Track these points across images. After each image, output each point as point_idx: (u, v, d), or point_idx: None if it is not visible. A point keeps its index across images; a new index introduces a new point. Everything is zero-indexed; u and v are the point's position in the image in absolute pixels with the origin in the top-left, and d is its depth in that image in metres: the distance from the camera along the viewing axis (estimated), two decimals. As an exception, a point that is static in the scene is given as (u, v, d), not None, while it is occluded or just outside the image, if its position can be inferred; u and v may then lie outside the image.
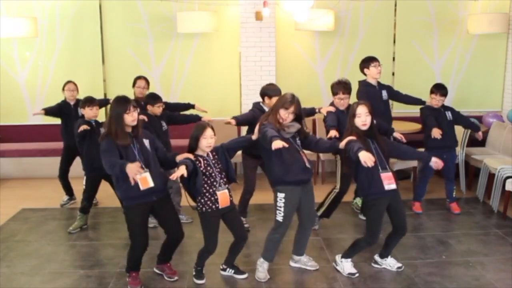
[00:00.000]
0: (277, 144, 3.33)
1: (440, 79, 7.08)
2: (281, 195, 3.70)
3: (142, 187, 3.45)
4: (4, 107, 6.97)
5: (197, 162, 3.55)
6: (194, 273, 3.86)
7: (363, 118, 3.68)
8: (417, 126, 6.19)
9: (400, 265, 3.98)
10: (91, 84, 6.83)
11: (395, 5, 7.09)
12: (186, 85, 7.12)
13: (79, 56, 6.95)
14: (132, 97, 5.37)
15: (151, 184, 3.47)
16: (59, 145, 5.82)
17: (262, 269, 3.88)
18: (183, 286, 3.77)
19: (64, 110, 5.55)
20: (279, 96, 4.44)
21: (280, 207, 3.70)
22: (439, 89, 5.19)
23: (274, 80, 6.62)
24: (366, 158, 3.38)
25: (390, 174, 3.73)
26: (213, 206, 3.60)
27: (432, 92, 5.23)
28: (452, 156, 5.30)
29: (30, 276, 3.94)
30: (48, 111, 5.57)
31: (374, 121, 3.80)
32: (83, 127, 4.62)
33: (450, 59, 7.22)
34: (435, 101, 5.18)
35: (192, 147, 3.61)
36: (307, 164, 3.71)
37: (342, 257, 3.96)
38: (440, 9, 7.06)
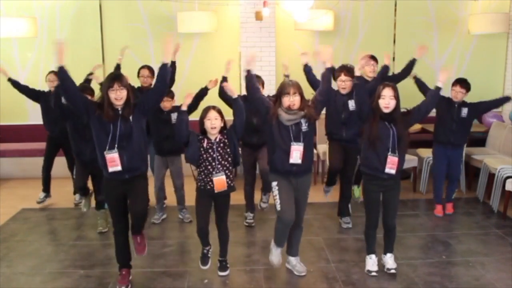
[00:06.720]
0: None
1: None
2: (274, 184, 3.69)
3: (109, 168, 3.46)
4: (4, 107, 6.97)
5: (201, 141, 3.66)
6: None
7: (386, 101, 3.64)
8: (417, 126, 6.19)
9: (393, 267, 3.91)
10: (91, 84, 6.82)
11: (395, 5, 7.09)
12: (186, 85, 7.08)
13: (79, 56, 6.94)
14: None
15: (118, 167, 3.46)
16: (59, 145, 5.80)
17: (275, 251, 3.80)
18: (183, 286, 3.77)
19: (44, 98, 5.49)
20: None
21: (276, 195, 3.68)
22: (460, 81, 5.08)
23: (274, 80, 6.62)
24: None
25: (396, 159, 3.68)
26: (207, 186, 3.66)
27: (452, 85, 5.12)
28: (458, 154, 5.22)
29: (30, 276, 3.94)
30: (20, 87, 5.56)
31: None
32: None
33: (450, 59, 7.21)
34: (454, 92, 5.07)
35: (201, 130, 3.72)
36: (293, 160, 3.59)
37: (367, 254, 3.98)
38: (440, 9, 7.06)
